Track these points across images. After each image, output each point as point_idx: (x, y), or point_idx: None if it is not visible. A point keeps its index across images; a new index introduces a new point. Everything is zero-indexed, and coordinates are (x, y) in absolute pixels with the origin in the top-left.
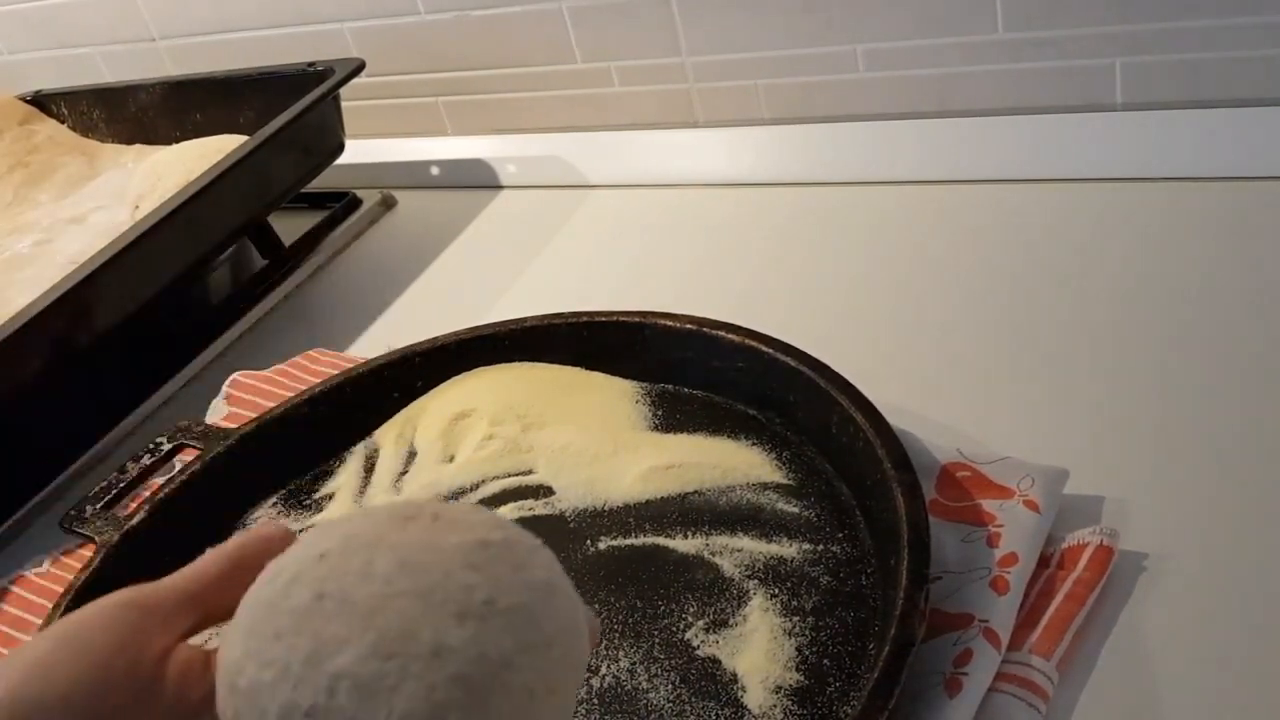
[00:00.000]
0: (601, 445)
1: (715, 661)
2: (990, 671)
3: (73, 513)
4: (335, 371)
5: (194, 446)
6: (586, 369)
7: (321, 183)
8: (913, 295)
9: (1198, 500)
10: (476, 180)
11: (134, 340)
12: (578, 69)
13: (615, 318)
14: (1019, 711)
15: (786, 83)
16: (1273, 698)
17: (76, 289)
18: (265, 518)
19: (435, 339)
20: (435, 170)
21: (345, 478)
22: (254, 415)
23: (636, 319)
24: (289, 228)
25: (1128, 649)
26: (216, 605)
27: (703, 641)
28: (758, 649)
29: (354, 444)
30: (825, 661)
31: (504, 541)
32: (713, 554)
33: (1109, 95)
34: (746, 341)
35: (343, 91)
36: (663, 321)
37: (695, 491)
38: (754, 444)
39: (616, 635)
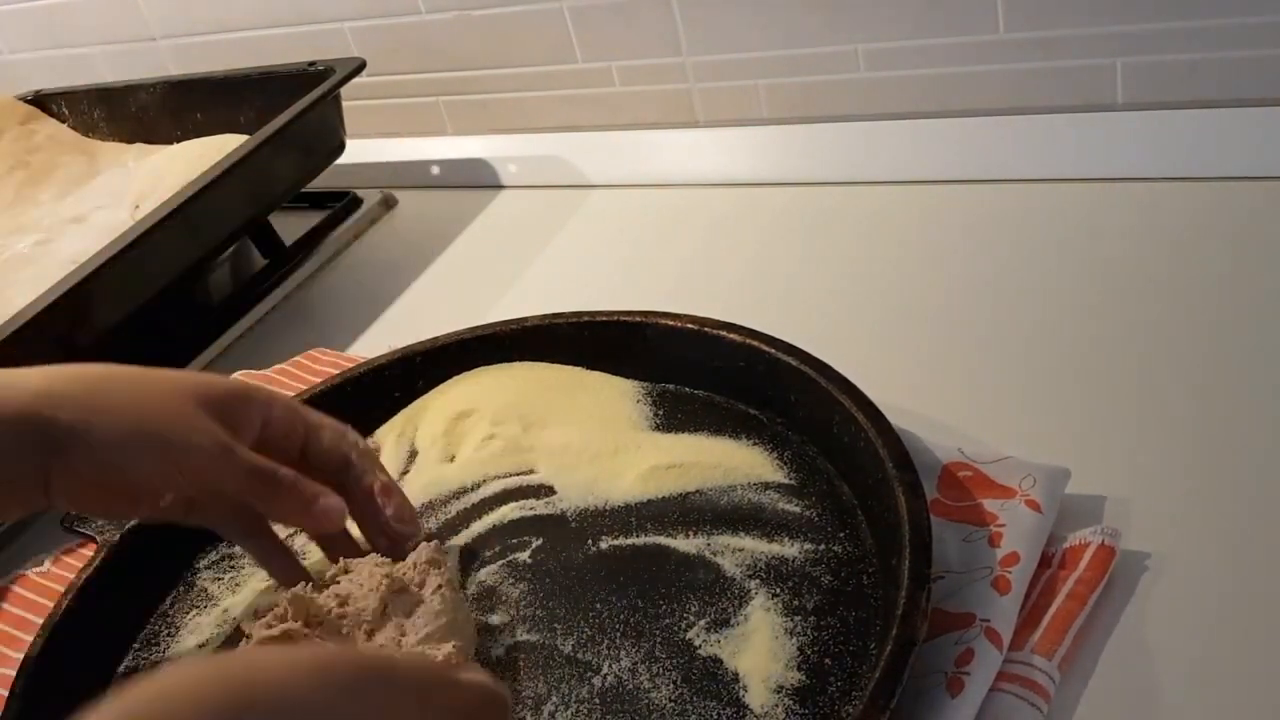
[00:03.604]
0: (602, 445)
1: (717, 661)
2: (992, 671)
3: (74, 512)
4: (335, 371)
5: None
6: (587, 369)
7: (322, 182)
8: (914, 295)
9: (1199, 500)
10: (477, 180)
11: (134, 341)
12: (578, 69)
13: (616, 317)
14: (1021, 711)
15: (787, 83)
16: (1274, 697)
17: (77, 289)
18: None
19: (436, 339)
20: (436, 170)
21: None
22: None
23: (637, 319)
24: (289, 227)
25: (1129, 648)
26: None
27: (704, 641)
28: (759, 648)
29: None
30: (827, 661)
31: None
32: (714, 553)
33: (1109, 95)
34: (747, 341)
35: (343, 91)
36: (664, 321)
37: (696, 491)
38: (755, 443)
39: (618, 635)
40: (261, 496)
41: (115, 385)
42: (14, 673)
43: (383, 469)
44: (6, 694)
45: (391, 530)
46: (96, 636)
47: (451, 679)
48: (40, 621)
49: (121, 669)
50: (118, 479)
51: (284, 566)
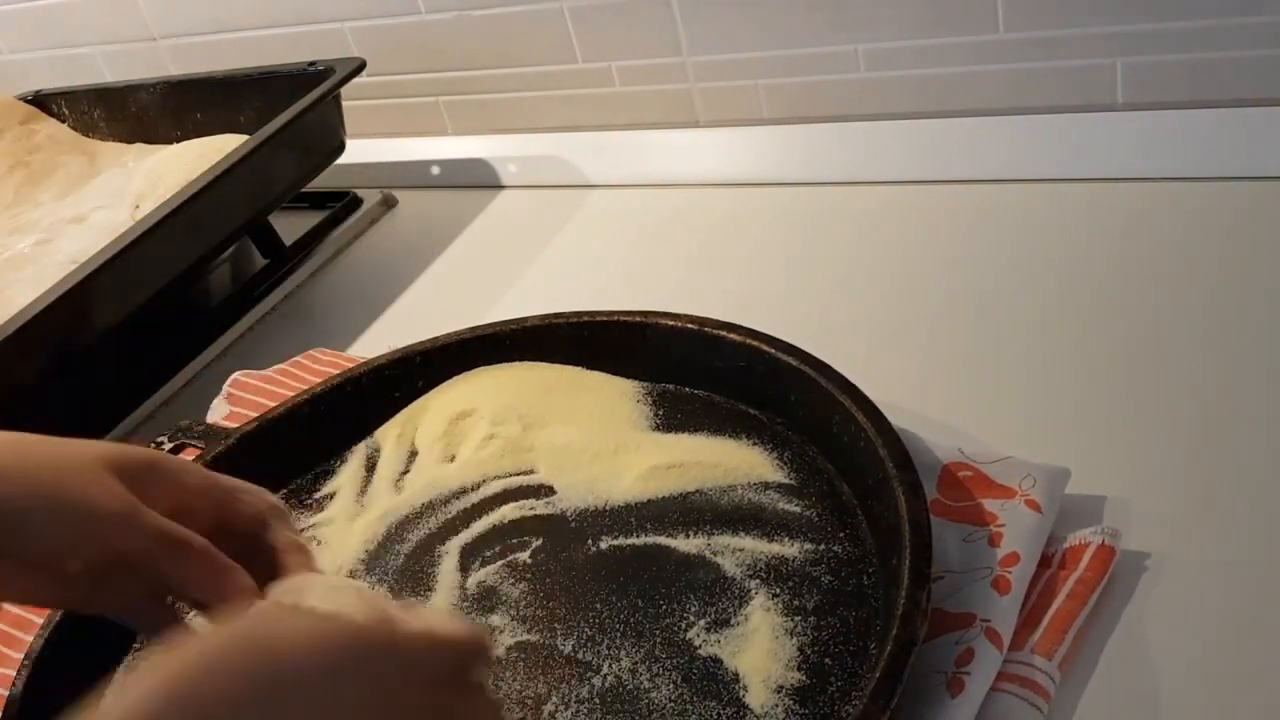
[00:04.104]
0: (603, 445)
1: (717, 661)
2: (992, 671)
3: None
4: (335, 371)
5: (195, 446)
6: (587, 368)
7: (322, 182)
8: (914, 295)
9: (1199, 500)
10: (477, 180)
11: (134, 340)
12: (578, 68)
13: (616, 317)
14: (1021, 711)
15: (787, 83)
16: (1274, 697)
17: (77, 289)
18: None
19: (436, 339)
20: (436, 170)
21: (346, 477)
22: (254, 415)
23: (637, 319)
24: (289, 227)
25: (1129, 648)
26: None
27: (704, 641)
28: (759, 648)
29: (355, 443)
30: (827, 661)
31: None
32: (714, 553)
33: (1109, 95)
34: (747, 341)
35: (343, 91)
36: (664, 321)
37: (696, 491)
38: (755, 443)
39: (618, 635)
40: (172, 564)
41: (19, 449)
42: (14, 672)
43: (293, 527)
44: (6, 694)
45: None
46: (97, 637)
47: (444, 636)
48: (41, 621)
49: (122, 668)
50: (19, 545)
51: None
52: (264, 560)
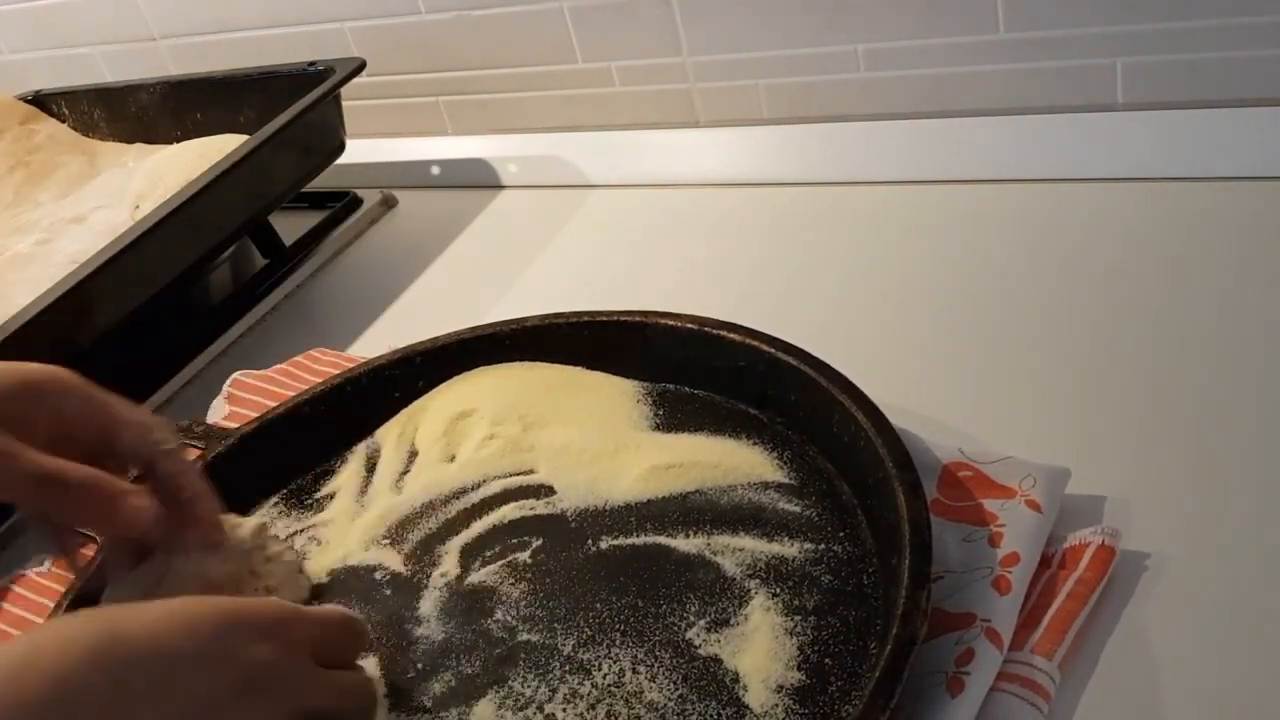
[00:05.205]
0: (603, 445)
1: (717, 660)
2: (992, 671)
3: None
4: (335, 371)
5: (195, 446)
6: (587, 368)
7: (322, 182)
8: (913, 295)
9: (1199, 500)
10: (477, 180)
11: (134, 340)
12: (578, 68)
13: (616, 317)
14: (1021, 711)
15: (787, 83)
16: (1274, 697)
17: (77, 289)
18: (267, 517)
19: (436, 339)
20: (436, 170)
21: (346, 477)
22: (254, 415)
23: (637, 319)
24: (290, 227)
25: (1130, 648)
26: None
27: (704, 641)
28: (759, 648)
29: (355, 443)
30: (827, 661)
31: None
32: (714, 553)
33: (1109, 95)
34: (747, 341)
35: (343, 91)
36: (664, 321)
37: (696, 491)
38: (755, 443)
39: (618, 634)
40: (54, 504)
41: None
42: None
43: (191, 471)
44: None
45: (191, 544)
46: None
47: (301, 611)
48: (40, 621)
49: None
50: None
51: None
52: (163, 501)
